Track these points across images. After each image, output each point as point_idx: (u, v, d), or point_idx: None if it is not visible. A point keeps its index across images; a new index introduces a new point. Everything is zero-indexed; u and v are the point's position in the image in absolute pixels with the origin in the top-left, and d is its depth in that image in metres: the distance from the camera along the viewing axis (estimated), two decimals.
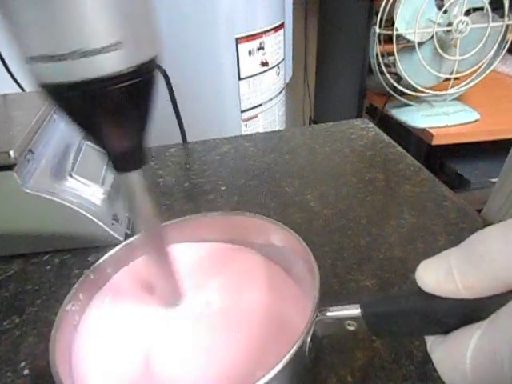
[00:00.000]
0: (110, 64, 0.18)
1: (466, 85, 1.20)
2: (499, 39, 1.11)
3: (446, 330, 0.17)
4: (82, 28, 0.17)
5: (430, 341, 0.19)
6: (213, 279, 0.30)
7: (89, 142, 0.49)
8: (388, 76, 1.16)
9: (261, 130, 1.00)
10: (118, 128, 0.21)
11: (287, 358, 0.19)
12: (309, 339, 0.21)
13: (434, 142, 1.14)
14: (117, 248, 0.30)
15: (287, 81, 1.12)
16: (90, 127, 0.21)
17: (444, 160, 1.25)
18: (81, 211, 0.40)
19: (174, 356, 0.25)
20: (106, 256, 0.29)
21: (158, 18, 0.20)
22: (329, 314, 0.22)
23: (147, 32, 0.20)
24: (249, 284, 0.30)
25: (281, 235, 0.29)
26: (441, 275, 0.17)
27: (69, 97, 0.19)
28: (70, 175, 0.43)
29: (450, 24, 1.08)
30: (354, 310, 0.21)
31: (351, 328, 0.21)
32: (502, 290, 0.15)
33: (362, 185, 0.51)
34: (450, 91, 1.18)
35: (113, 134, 0.21)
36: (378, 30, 1.11)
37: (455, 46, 1.10)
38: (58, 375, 0.21)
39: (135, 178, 0.23)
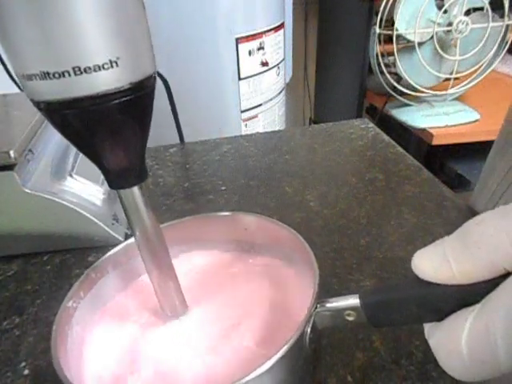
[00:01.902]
0: (107, 81, 0.18)
1: (466, 85, 1.20)
2: (499, 39, 1.11)
3: (443, 317, 0.18)
4: (80, 45, 0.17)
5: (428, 327, 0.19)
6: (213, 284, 0.31)
7: None
8: (388, 76, 1.16)
9: (261, 130, 1.00)
10: (114, 145, 0.21)
11: (287, 346, 0.20)
12: (309, 330, 0.22)
13: (434, 142, 1.14)
14: (118, 247, 0.30)
15: (287, 81, 1.12)
16: (86, 145, 0.21)
17: (444, 160, 1.25)
18: (81, 211, 0.40)
19: (173, 357, 0.26)
20: (107, 254, 0.29)
21: (151, 34, 0.20)
22: (328, 305, 0.22)
23: (144, 49, 0.20)
24: (251, 283, 0.30)
25: (279, 232, 0.30)
26: (436, 262, 0.17)
27: (64, 114, 0.19)
28: (70, 175, 0.43)
29: (450, 24, 1.08)
30: (353, 300, 0.21)
31: (350, 318, 0.21)
32: (496, 274, 0.16)
33: (362, 185, 0.51)
34: (450, 91, 1.18)
35: (109, 151, 0.21)
36: (378, 30, 1.11)
37: (455, 46, 1.10)
38: (61, 371, 0.21)
39: (134, 193, 0.23)
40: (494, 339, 0.15)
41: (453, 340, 0.16)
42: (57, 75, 0.17)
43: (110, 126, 0.20)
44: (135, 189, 0.23)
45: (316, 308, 0.22)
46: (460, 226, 0.18)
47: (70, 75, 0.17)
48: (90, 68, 0.17)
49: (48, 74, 0.17)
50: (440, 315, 0.18)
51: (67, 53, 0.17)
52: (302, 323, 0.21)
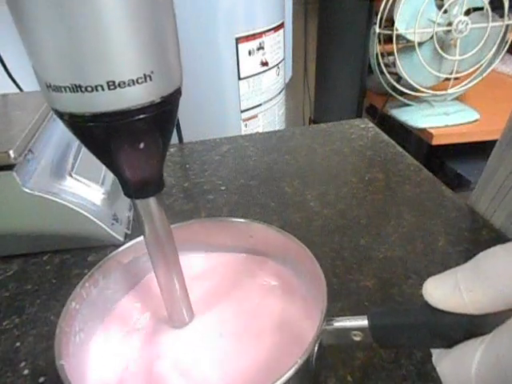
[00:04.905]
0: (139, 96, 0.18)
1: (466, 85, 1.20)
2: (499, 39, 1.11)
3: (451, 344, 0.18)
4: (116, 59, 0.16)
5: (436, 353, 0.19)
6: (221, 291, 0.30)
7: None
8: (388, 76, 1.16)
9: (261, 130, 1.00)
10: (137, 158, 0.20)
11: (295, 367, 0.20)
12: (316, 349, 0.21)
13: (434, 142, 1.14)
14: (122, 247, 0.29)
15: (287, 81, 1.12)
16: (107, 156, 0.20)
17: (444, 160, 1.25)
18: (81, 211, 0.40)
19: (178, 366, 0.25)
20: (110, 255, 0.29)
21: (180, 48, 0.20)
22: (336, 324, 0.22)
23: (175, 61, 0.19)
24: (258, 295, 0.30)
25: (287, 246, 0.29)
26: (448, 290, 0.17)
27: (89, 127, 0.18)
28: (70, 175, 0.43)
29: (449, 24, 1.08)
30: (361, 321, 0.21)
31: (357, 338, 0.21)
32: (506, 307, 0.16)
33: (362, 185, 0.51)
34: (450, 91, 1.18)
35: (131, 164, 0.20)
36: (377, 30, 1.11)
37: (455, 46, 1.10)
38: (65, 376, 0.21)
39: (150, 203, 0.22)
40: (504, 370, 0.15)
41: (462, 369, 0.17)
42: (89, 89, 0.17)
43: (135, 139, 0.19)
44: (152, 199, 0.22)
45: (324, 326, 0.22)
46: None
47: (103, 89, 0.17)
48: (124, 83, 0.17)
49: (80, 87, 0.17)
50: (448, 342, 0.18)
51: (103, 67, 0.16)
52: (310, 345, 0.21)
